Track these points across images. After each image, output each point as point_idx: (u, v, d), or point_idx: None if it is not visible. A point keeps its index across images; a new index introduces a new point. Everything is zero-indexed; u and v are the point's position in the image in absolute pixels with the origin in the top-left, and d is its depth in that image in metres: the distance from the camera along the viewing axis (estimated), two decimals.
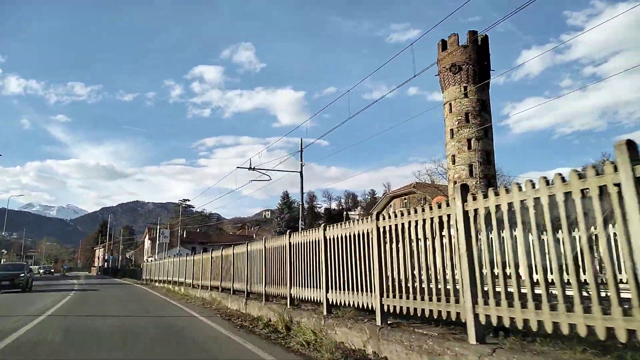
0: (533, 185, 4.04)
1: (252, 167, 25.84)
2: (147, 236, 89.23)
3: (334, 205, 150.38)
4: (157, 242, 69.90)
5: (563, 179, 3.75)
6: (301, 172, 25.96)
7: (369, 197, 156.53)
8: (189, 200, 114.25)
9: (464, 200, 4.89)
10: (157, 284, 31.54)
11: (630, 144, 3.26)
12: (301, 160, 25.74)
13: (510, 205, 4.28)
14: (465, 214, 4.86)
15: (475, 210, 4.74)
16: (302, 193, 24.71)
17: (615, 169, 3.33)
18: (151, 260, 42.79)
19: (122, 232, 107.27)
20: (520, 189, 4.17)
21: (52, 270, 70.21)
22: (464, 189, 5.03)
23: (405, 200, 55.37)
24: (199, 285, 19.68)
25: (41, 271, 68.49)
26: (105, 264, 77.53)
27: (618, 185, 3.31)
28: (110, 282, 40.45)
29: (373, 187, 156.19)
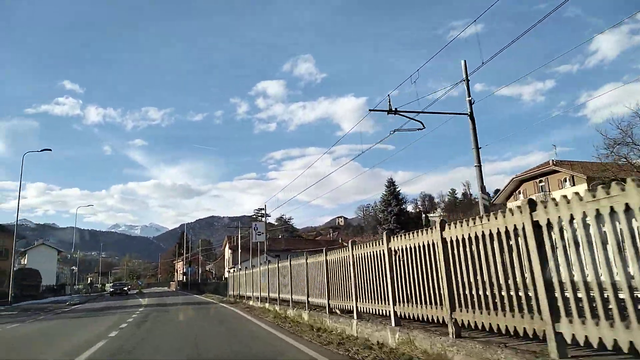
0: None
1: (394, 109, 16.28)
2: (226, 246, 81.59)
3: (409, 208, 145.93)
4: (239, 250, 61.48)
5: None
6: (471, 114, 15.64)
7: (449, 197, 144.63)
8: (263, 209, 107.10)
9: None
10: (251, 302, 22.15)
11: None
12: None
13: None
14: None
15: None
16: (478, 146, 14.12)
17: None
18: (235, 271, 33.53)
19: (200, 243, 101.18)
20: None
21: (127, 288, 62.87)
22: None
23: (542, 184, 43.06)
24: (346, 308, 10.24)
25: (110, 289, 61.75)
26: (184, 277, 70.12)
27: None
28: (188, 301, 31.81)
29: (442, 189, 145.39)
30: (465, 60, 16.03)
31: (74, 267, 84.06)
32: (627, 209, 3.63)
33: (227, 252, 79.62)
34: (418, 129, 16.35)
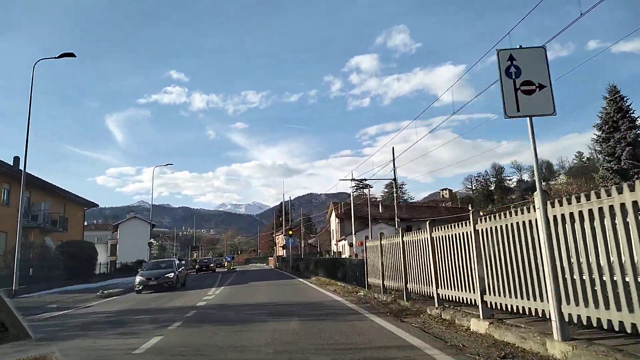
0: None
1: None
2: (332, 214, 66.81)
3: (525, 177, 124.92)
4: (352, 219, 46.13)
5: None
6: None
7: (576, 160, 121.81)
8: (366, 180, 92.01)
9: None
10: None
11: None
12: None
13: None
14: None
15: None
16: None
17: None
18: (388, 238, 17.29)
19: (301, 214, 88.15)
20: None
21: (213, 264, 50.15)
22: None
23: None
24: None
25: (197, 266, 49.62)
26: (285, 252, 56.46)
27: None
28: (289, 293, 16.11)
29: (550, 159, 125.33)
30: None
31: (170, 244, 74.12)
32: None
33: (334, 222, 64.92)
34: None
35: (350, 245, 52.49)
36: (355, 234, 46.71)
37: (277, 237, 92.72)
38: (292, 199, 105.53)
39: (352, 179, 42.69)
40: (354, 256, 44.77)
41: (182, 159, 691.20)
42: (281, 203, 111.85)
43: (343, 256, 54.38)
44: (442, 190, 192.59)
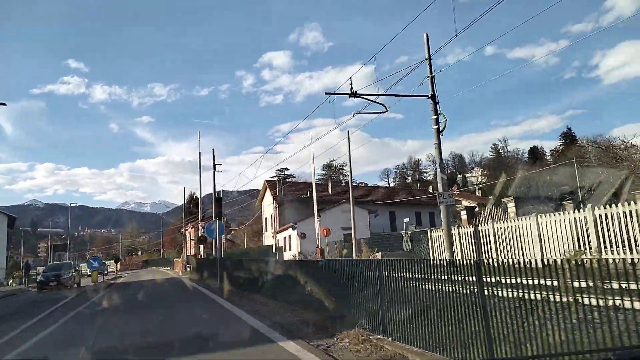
0: None
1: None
2: (267, 196, 47.58)
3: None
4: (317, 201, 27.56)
5: None
6: None
7: (491, 153, 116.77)
8: (288, 170, 74.64)
9: None
10: None
11: None
12: None
13: None
14: None
15: None
16: None
17: None
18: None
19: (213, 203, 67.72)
20: None
21: (71, 275, 27.69)
22: None
23: None
24: None
25: (40, 278, 27.85)
26: (203, 249, 35.73)
27: None
28: None
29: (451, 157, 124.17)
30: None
31: None
32: None
33: (269, 207, 45.69)
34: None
35: (303, 236, 33.94)
36: (315, 218, 28.45)
37: (188, 230, 71.31)
38: (203, 196, 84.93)
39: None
40: (317, 253, 26.72)
41: (82, 154, 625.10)
42: (191, 194, 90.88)
43: (289, 254, 35.84)
44: (360, 183, 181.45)
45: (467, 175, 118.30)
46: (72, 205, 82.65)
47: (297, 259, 29.20)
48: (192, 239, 69.49)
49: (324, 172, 79.51)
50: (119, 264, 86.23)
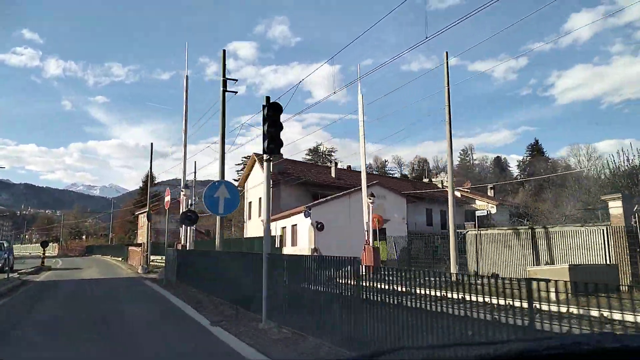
0: None
1: None
2: (254, 171, 36.79)
3: (406, 172, 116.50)
4: None
5: None
6: None
7: (461, 158, 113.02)
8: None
9: None
10: None
11: None
12: None
13: None
14: None
15: None
16: None
17: None
18: None
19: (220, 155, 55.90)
20: None
21: None
22: None
23: None
24: None
25: None
26: (187, 232, 24.20)
27: None
28: None
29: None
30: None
31: None
32: None
33: (257, 190, 34.92)
34: None
35: (319, 227, 23.71)
36: (364, 195, 18.30)
37: (142, 215, 58.97)
38: (156, 183, 72.43)
39: None
40: (364, 258, 16.72)
41: (30, 130, 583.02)
42: (148, 173, 77.61)
43: (295, 249, 25.55)
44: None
45: (434, 179, 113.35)
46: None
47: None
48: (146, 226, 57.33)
49: (309, 158, 69.26)
50: (57, 248, 72.24)
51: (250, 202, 37.69)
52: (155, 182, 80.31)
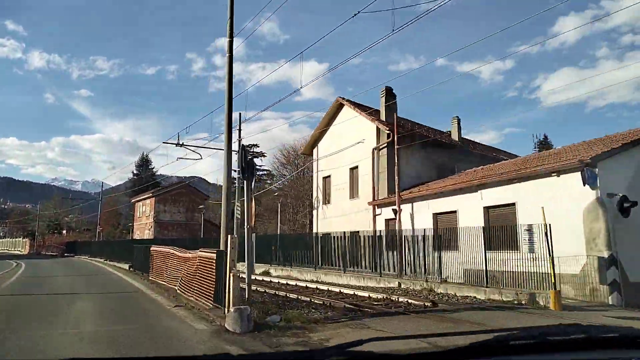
0: None
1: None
2: (335, 119, 22.06)
3: None
4: None
5: None
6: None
7: None
8: (257, 147, 50.50)
9: None
10: None
11: None
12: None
13: None
14: None
15: None
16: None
17: None
18: None
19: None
20: None
21: None
22: None
23: None
24: None
25: None
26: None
27: None
28: None
29: None
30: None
31: None
32: None
33: (359, 153, 20.80)
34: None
35: (626, 207, 9.47)
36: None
37: (143, 201, 44.30)
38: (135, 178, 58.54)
39: None
40: None
41: (11, 122, 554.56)
42: (126, 182, 62.27)
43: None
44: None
45: None
46: None
47: None
48: (148, 216, 42.62)
49: None
50: (27, 245, 56.64)
51: (327, 177, 23.61)
52: (153, 169, 65.59)
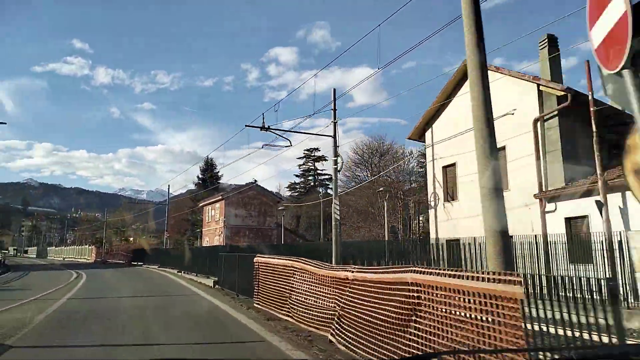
0: None
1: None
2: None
3: None
4: None
5: None
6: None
7: None
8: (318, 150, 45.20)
9: None
10: None
11: None
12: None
13: None
14: None
15: None
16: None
17: None
18: None
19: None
20: None
21: None
22: None
23: None
24: None
25: None
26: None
27: None
28: None
29: None
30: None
31: None
32: None
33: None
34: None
35: None
36: None
37: (211, 205, 40.72)
38: (196, 187, 55.28)
39: None
40: None
41: (81, 136, 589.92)
42: (187, 191, 59.37)
43: None
44: None
45: None
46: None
47: None
48: (217, 221, 38.86)
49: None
50: (93, 252, 55.03)
51: (449, 166, 18.22)
52: (218, 173, 62.61)
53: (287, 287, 8.26)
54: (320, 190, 69.36)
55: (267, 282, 9.42)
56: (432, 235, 18.59)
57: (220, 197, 38.05)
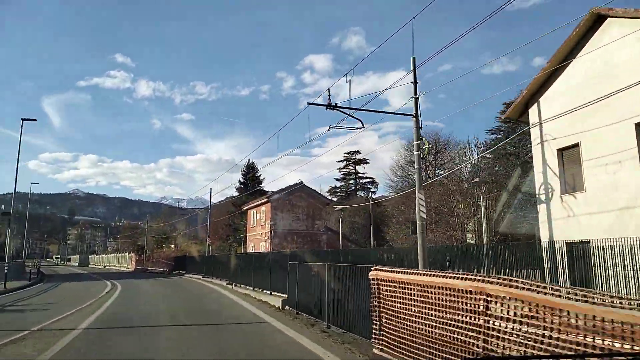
0: None
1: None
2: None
3: None
4: None
5: None
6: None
7: None
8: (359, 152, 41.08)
9: None
10: None
11: None
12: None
13: None
14: None
15: None
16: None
17: None
18: None
19: None
20: None
21: None
22: None
23: None
24: None
25: None
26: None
27: None
28: None
29: None
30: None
31: None
32: None
33: None
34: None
35: None
36: None
37: (257, 208, 37.66)
38: (236, 195, 52.50)
39: None
40: None
41: (124, 148, 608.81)
42: (226, 198, 57.02)
43: None
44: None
45: None
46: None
47: None
48: (263, 225, 35.73)
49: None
50: (133, 260, 53.13)
51: (567, 148, 14.17)
52: (259, 176, 59.89)
53: (468, 330, 4.54)
54: (362, 194, 65.84)
55: (411, 316, 5.65)
56: (543, 238, 14.57)
57: (266, 199, 34.89)
